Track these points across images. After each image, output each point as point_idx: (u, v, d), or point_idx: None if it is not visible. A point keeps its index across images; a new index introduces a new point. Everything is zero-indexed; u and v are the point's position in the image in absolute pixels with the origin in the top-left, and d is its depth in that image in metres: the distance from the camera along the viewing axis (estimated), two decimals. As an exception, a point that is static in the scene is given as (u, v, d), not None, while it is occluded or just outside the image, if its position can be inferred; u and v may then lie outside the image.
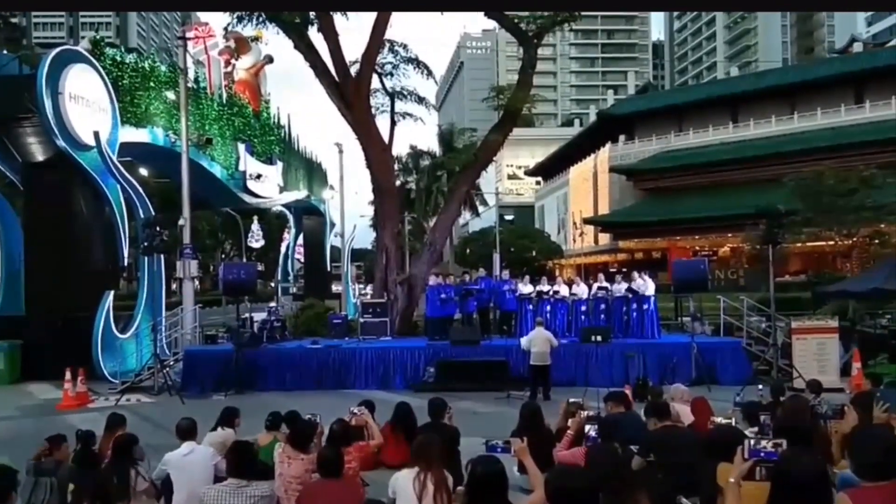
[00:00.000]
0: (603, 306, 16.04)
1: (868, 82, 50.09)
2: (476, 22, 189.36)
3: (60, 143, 15.70)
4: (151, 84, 19.14)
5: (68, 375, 13.35)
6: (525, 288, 16.45)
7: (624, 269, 25.01)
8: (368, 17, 18.30)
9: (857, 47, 61.00)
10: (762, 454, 3.54)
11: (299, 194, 29.61)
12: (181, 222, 18.50)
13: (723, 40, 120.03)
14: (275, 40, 22.97)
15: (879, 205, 27.49)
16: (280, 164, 27.37)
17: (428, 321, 16.92)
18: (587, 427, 5.76)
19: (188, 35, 20.73)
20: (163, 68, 19.85)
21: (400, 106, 21.13)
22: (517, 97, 19.38)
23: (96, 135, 16.24)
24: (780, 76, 58.32)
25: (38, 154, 16.62)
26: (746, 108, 55.84)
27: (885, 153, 38.70)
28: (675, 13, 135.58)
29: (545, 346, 12.71)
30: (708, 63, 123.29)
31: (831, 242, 30.36)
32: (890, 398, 5.99)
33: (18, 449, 7.48)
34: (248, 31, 21.97)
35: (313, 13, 17.71)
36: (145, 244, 15.43)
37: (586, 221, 64.59)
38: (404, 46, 20.62)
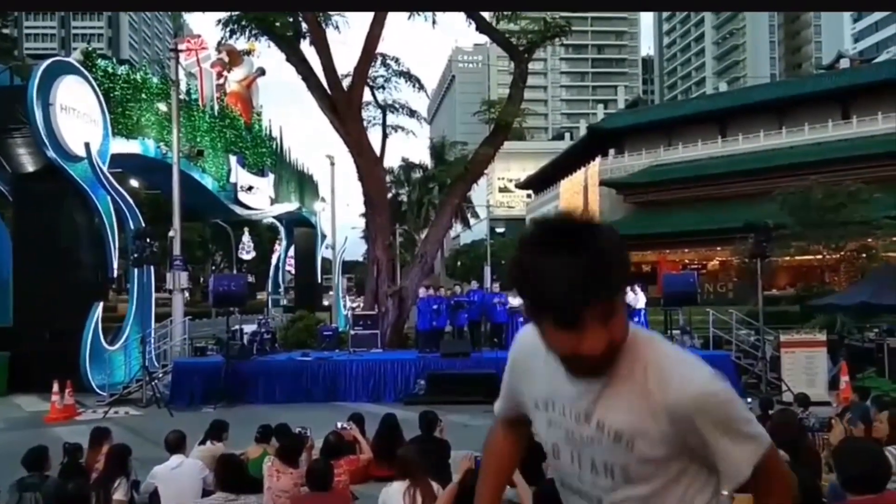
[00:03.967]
0: (593, 319, 16.04)
1: (854, 98, 50.66)
2: (468, 36, 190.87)
3: (51, 154, 15.62)
4: (143, 96, 19.13)
5: (56, 387, 13.20)
6: (515, 301, 16.44)
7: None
8: (360, 31, 18.47)
9: (844, 63, 61.80)
10: None
11: (290, 206, 29.60)
12: (171, 234, 18.45)
13: (711, 56, 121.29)
14: (267, 53, 23.09)
15: (867, 219, 27.74)
16: (271, 176, 27.38)
17: (419, 333, 16.89)
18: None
19: (180, 47, 20.78)
20: (155, 80, 19.86)
21: (392, 119, 21.24)
22: (508, 111, 19.46)
23: (87, 146, 16.20)
24: (769, 91, 58.93)
25: (29, 165, 16.54)
26: (735, 123, 56.33)
27: (871, 168, 39.13)
28: (665, 29, 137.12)
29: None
30: (697, 78, 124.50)
31: (819, 256, 30.59)
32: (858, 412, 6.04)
33: (4, 461, 7.40)
34: (240, 44, 22.04)
35: (305, 26, 17.81)
36: (135, 256, 15.36)
37: (577, 234, 64.75)
38: (396, 60, 20.76)
